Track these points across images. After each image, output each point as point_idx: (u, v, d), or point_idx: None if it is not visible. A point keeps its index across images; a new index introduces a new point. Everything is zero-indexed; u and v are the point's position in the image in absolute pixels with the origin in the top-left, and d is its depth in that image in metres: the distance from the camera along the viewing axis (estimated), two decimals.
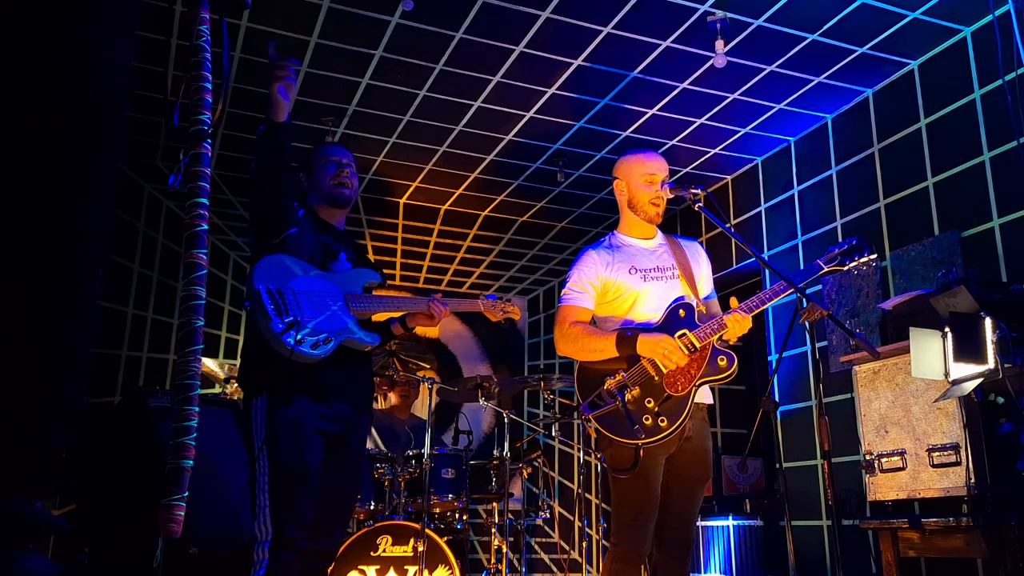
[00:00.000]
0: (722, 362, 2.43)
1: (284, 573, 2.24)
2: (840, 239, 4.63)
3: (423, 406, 5.01)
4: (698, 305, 2.56)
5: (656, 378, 2.42)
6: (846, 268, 2.50)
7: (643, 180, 2.62)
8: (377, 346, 2.60)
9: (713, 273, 2.83)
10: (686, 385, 2.41)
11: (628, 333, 2.41)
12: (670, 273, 2.61)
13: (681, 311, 2.50)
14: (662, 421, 2.38)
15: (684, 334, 2.43)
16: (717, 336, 2.42)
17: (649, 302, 2.55)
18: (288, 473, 2.31)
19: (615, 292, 2.58)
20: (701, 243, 2.82)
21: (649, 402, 2.40)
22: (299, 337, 2.32)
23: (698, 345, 2.41)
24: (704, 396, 2.56)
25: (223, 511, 3.55)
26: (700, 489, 2.56)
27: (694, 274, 2.65)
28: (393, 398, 5.19)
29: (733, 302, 2.44)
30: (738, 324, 2.40)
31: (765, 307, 2.47)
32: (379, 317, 2.73)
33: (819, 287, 4.52)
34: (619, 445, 2.41)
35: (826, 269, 2.49)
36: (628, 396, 2.40)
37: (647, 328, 2.49)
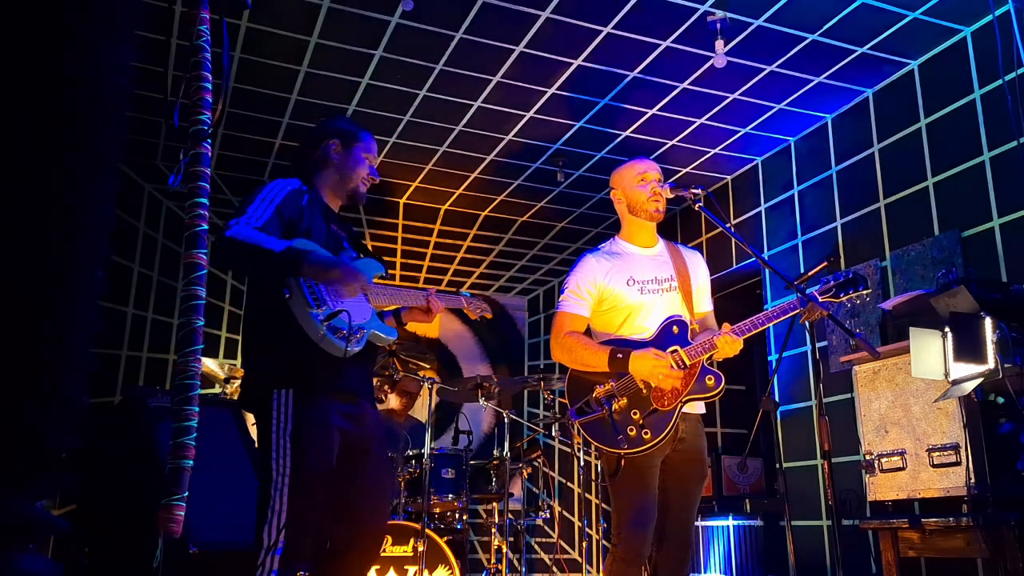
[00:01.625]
0: (710, 381, 2.45)
1: None
2: (840, 239, 4.63)
3: (423, 407, 5.01)
4: (691, 322, 2.57)
5: (644, 391, 2.44)
6: (839, 300, 2.51)
7: (635, 181, 2.65)
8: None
9: (713, 273, 2.84)
10: (672, 401, 2.42)
11: (619, 355, 2.42)
12: (667, 285, 2.61)
13: (675, 327, 2.51)
14: (646, 433, 2.40)
15: (675, 350, 2.44)
16: (707, 356, 2.44)
17: (644, 317, 2.56)
18: (313, 475, 2.13)
19: (611, 302, 2.58)
20: (701, 252, 2.82)
21: (635, 414, 2.42)
22: (335, 329, 2.17)
23: (688, 363, 2.43)
24: (695, 408, 2.57)
25: (223, 511, 3.54)
26: (698, 489, 2.57)
27: (692, 285, 2.65)
28: (394, 401, 5.18)
29: (726, 326, 2.44)
30: (728, 346, 2.41)
31: (757, 331, 2.46)
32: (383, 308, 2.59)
33: (819, 286, 4.51)
34: (603, 452, 2.44)
35: (821, 300, 2.49)
36: (615, 406, 2.42)
37: (639, 345, 2.49)
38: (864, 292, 2.48)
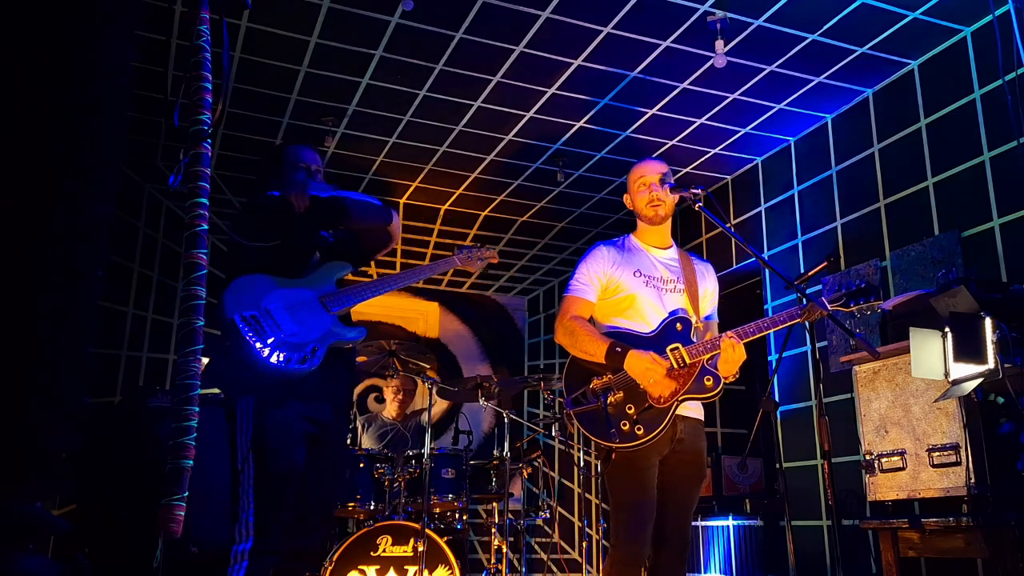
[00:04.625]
0: (708, 382, 2.44)
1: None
2: (840, 239, 4.63)
3: (423, 406, 5.00)
4: (696, 322, 2.57)
5: (641, 387, 2.43)
6: (850, 309, 2.50)
7: (637, 186, 2.70)
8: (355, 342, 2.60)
9: (713, 273, 2.84)
10: (669, 399, 2.42)
11: (618, 349, 2.42)
12: (672, 286, 2.63)
13: (678, 324, 2.51)
14: (638, 429, 2.39)
15: (676, 347, 2.44)
16: (709, 356, 2.43)
17: (646, 308, 2.57)
18: (275, 477, 2.28)
19: (615, 290, 2.60)
20: (702, 252, 2.83)
21: (630, 408, 2.41)
22: (286, 355, 2.31)
23: (688, 361, 2.43)
24: (695, 412, 2.57)
25: (223, 511, 3.54)
26: (695, 490, 2.57)
27: (699, 292, 2.67)
28: (390, 400, 5.19)
29: (728, 335, 2.44)
30: (731, 349, 2.39)
31: (760, 335, 2.46)
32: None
33: (819, 287, 4.52)
34: (595, 444, 2.46)
35: (830, 308, 2.49)
36: (611, 399, 2.41)
37: (641, 338, 2.50)
38: (876, 303, 2.47)
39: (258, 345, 2.30)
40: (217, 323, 2.34)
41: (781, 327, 2.47)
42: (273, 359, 2.30)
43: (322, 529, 2.61)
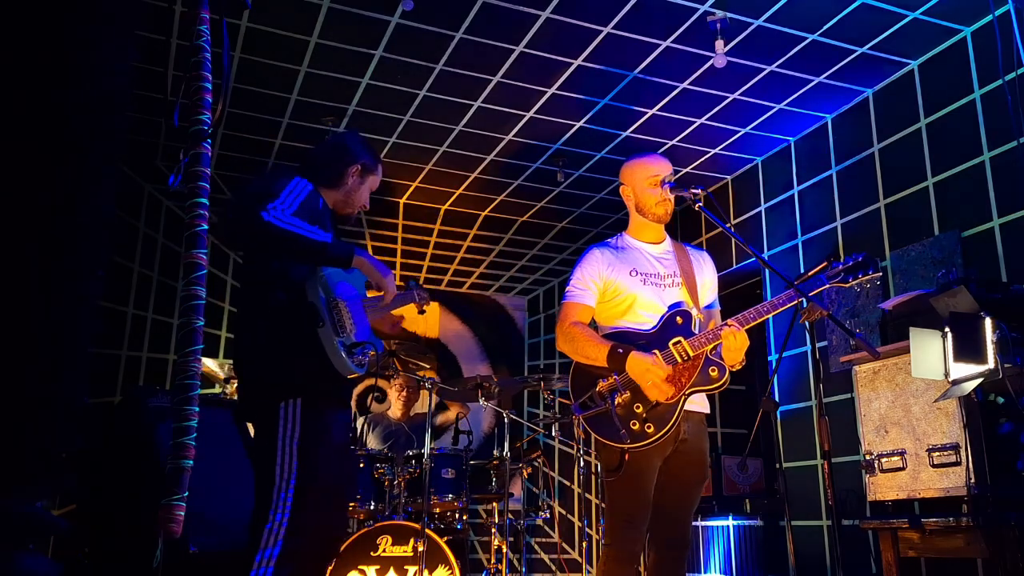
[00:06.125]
0: (713, 372, 2.43)
1: None
2: (840, 239, 4.63)
3: (423, 406, 5.01)
4: (697, 313, 2.56)
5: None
6: (848, 284, 2.49)
7: (648, 183, 2.63)
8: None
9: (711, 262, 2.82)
10: (676, 393, 2.41)
11: (619, 350, 2.41)
12: (670, 281, 2.61)
13: (679, 318, 2.50)
14: (648, 427, 2.39)
15: (679, 341, 2.43)
16: (711, 346, 2.42)
17: (646, 306, 2.55)
18: (321, 483, 2.18)
19: (613, 292, 2.59)
20: (708, 252, 2.81)
21: (638, 407, 2.41)
22: (361, 357, 2.21)
23: (692, 353, 2.41)
24: (701, 406, 2.56)
25: (223, 511, 3.54)
26: (696, 490, 2.56)
27: (697, 283, 2.64)
28: (394, 400, 5.19)
29: (728, 322, 2.43)
30: (732, 337, 2.37)
31: (760, 320, 2.45)
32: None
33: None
34: (606, 447, 2.43)
35: (828, 284, 2.47)
36: (618, 400, 2.40)
37: (643, 336, 2.50)
38: (875, 275, 2.45)
39: (340, 341, 2.17)
40: (307, 307, 2.18)
41: (781, 310, 2.44)
42: (348, 357, 2.18)
43: (341, 532, 2.51)
